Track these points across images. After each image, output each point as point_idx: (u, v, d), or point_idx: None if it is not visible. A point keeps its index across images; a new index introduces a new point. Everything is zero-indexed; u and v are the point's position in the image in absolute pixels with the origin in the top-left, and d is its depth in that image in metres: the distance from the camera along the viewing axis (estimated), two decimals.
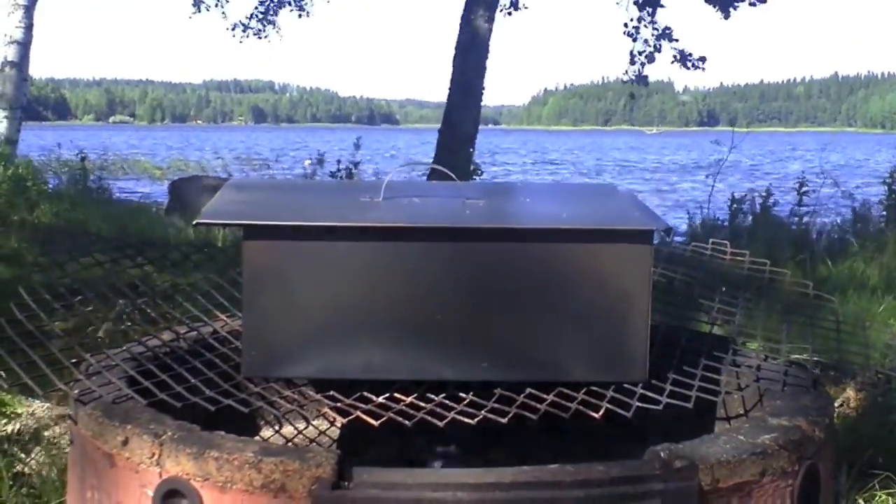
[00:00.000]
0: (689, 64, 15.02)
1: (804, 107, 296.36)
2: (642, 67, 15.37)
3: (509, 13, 15.11)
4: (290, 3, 17.24)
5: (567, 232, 1.68)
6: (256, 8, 17.16)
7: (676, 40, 14.98)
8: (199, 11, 16.58)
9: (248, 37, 17.25)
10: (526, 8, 15.12)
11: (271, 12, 17.17)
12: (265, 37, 17.31)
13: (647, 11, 14.97)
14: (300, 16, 17.34)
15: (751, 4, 14.39)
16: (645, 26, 15.07)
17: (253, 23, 17.15)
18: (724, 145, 9.81)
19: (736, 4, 14.51)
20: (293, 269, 1.65)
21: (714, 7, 14.60)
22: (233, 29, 17.14)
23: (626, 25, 15.19)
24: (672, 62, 15.13)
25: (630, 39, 15.23)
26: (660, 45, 15.11)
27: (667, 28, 15.03)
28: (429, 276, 1.67)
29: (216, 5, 16.67)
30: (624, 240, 1.67)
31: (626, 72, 15.53)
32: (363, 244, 1.65)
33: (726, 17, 14.72)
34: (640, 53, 15.22)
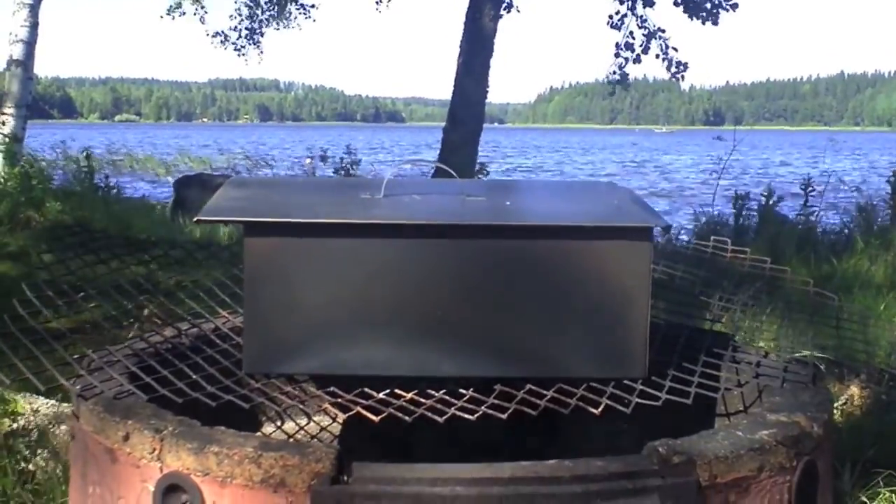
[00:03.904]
0: (673, 68, 14.88)
1: (811, 105, 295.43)
2: (626, 63, 15.18)
3: (500, 16, 14.92)
4: (274, 22, 16.88)
5: (567, 229, 1.69)
6: (240, 25, 16.72)
7: (666, 40, 14.75)
8: (173, 18, 16.37)
9: (226, 49, 16.89)
10: (518, 11, 14.93)
11: (257, 32, 16.81)
12: (244, 55, 16.97)
13: (628, 5, 14.82)
14: (277, 29, 17.04)
15: (728, 7, 14.29)
16: (638, 26, 14.87)
17: (234, 36, 16.75)
18: (727, 142, 9.77)
19: (718, 10, 14.42)
20: (294, 265, 1.66)
21: (700, 20, 14.45)
22: (213, 36, 16.75)
23: (611, 17, 14.97)
24: (655, 57, 14.84)
25: (616, 31, 15.03)
26: (649, 46, 14.93)
27: (660, 29, 14.86)
28: (429, 272, 1.67)
29: (194, 14, 16.42)
30: (623, 236, 1.67)
31: (613, 69, 15.31)
32: (364, 241, 1.66)
33: (715, 23, 14.56)
34: (626, 47, 15.05)
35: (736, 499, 1.44)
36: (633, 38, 14.94)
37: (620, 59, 15.11)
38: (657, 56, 14.85)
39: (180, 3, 16.26)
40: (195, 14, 16.33)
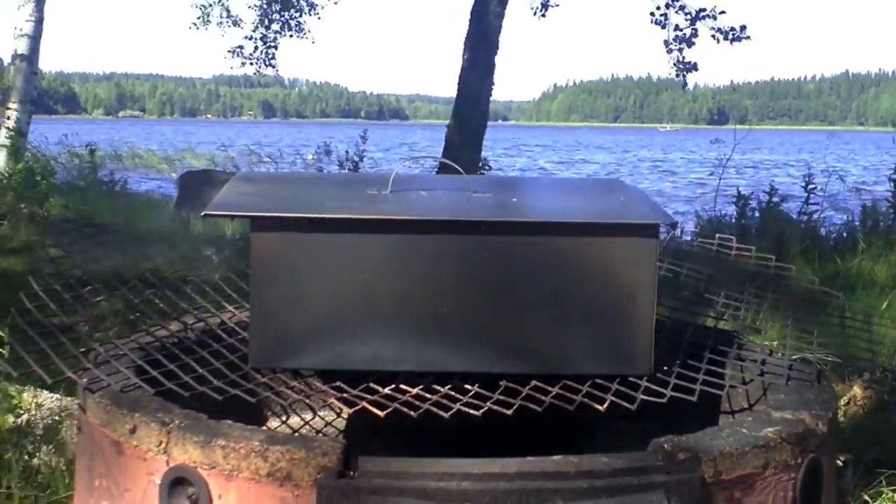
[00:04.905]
0: (733, 37, 14.50)
1: (814, 104, 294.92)
2: (681, 53, 14.80)
3: (543, 15, 14.74)
4: (289, 30, 16.84)
5: (573, 226, 1.69)
6: (254, 33, 16.70)
7: (715, 18, 14.37)
8: (207, 26, 16.35)
9: (242, 65, 16.89)
10: (557, 5, 14.74)
11: (272, 55, 16.82)
12: (259, 75, 17.18)
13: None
14: (291, 36, 17.11)
15: (734, 40, 14.28)
16: (676, 12, 14.57)
17: (249, 47, 16.76)
18: (726, 143, 9.75)
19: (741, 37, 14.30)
20: (300, 260, 1.66)
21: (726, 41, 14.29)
22: (232, 54, 16.71)
23: (652, 14, 14.55)
24: (714, 39, 14.47)
25: (659, 28, 14.68)
26: (696, 29, 14.59)
27: (702, 9, 14.55)
28: (435, 268, 1.68)
29: (219, 25, 16.38)
30: (629, 233, 1.67)
31: (671, 63, 14.91)
32: (370, 236, 1.66)
33: (732, 43, 14.42)
34: (675, 40, 14.71)
35: (741, 496, 1.44)
36: (680, 30, 14.62)
37: (675, 53, 14.83)
38: (713, 37, 14.47)
39: (209, 15, 16.27)
40: (220, 24, 16.35)
